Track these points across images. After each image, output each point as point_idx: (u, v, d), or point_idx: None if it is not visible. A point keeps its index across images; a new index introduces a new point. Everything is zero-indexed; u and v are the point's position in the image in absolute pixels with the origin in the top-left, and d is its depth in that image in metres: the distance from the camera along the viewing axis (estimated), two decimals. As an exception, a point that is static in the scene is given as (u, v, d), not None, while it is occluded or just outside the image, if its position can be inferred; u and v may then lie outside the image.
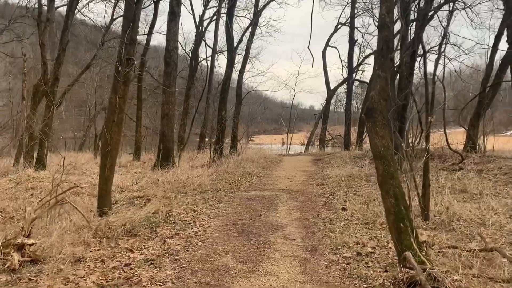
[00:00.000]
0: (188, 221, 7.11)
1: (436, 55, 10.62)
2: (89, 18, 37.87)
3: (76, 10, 31.98)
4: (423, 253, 4.52)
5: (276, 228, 6.79)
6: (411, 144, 9.66)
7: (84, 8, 35.62)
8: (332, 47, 30.92)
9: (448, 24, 10.42)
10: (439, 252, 5.29)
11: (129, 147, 26.34)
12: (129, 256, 5.23)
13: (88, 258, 5.13)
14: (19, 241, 4.60)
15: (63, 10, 29.39)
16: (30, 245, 4.65)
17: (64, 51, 16.35)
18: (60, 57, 15.97)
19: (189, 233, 6.33)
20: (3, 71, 36.13)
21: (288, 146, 31.01)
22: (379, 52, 5.33)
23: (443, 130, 13.10)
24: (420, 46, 10.85)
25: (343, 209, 8.26)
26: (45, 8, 16.87)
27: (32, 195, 10.98)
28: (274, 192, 10.41)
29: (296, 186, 11.32)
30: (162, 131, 15.07)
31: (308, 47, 30.34)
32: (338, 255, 5.40)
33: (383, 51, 5.31)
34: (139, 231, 6.35)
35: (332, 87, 31.01)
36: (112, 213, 7.78)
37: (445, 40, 10.18)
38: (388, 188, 4.82)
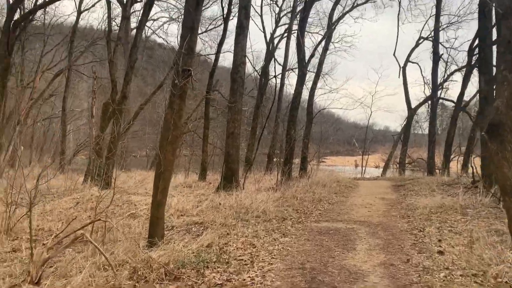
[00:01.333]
0: (245, 260, 5.86)
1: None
2: (163, 39, 38.95)
3: (151, 31, 32.88)
4: None
5: (355, 277, 5.35)
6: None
7: (159, 29, 36.62)
8: (413, 62, 28.87)
9: None
10: None
11: (199, 166, 25.93)
12: (163, 312, 4.09)
13: (114, 312, 4.07)
14: (24, 289, 3.63)
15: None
16: (37, 294, 3.66)
17: (133, 68, 16.09)
18: (128, 75, 15.68)
19: (244, 280, 5.08)
20: (86, 92, 37.82)
21: (363, 169, 29.00)
22: (506, 47, 3.83)
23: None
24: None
25: (440, 252, 6.60)
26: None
27: (89, 216, 10.39)
28: (350, 224, 8.92)
29: (376, 218, 9.73)
30: (227, 151, 14.15)
31: (394, 54, 28.24)
32: (445, 330, 3.88)
33: (511, 45, 3.82)
34: (184, 272, 5.21)
35: (412, 106, 28.77)
36: (163, 243, 6.79)
37: None
38: (527, 240, 3.29)
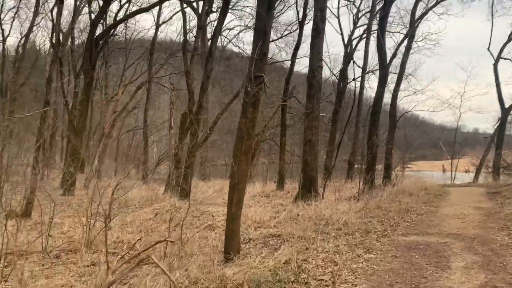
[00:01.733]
0: (326, 281, 5.35)
1: None
2: (239, 47, 39.40)
3: (227, 41, 33.36)
4: None
5: (453, 303, 4.65)
6: None
7: (235, 38, 37.07)
8: (505, 59, 26.45)
9: None
10: None
11: (277, 174, 25.68)
12: None
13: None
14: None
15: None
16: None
17: (209, 78, 16.17)
18: (204, 84, 15.78)
19: (325, 304, 4.61)
20: (167, 103, 39.33)
21: (453, 174, 26.95)
22: None
23: None
24: None
25: (554, 274, 5.63)
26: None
27: (167, 227, 10.41)
28: (442, 237, 8.03)
29: (471, 230, 8.71)
30: (304, 159, 13.66)
31: (488, 49, 26.05)
32: None
33: None
34: (259, 294, 4.84)
35: (505, 105, 26.31)
36: (239, 258, 6.50)
37: None
38: None
